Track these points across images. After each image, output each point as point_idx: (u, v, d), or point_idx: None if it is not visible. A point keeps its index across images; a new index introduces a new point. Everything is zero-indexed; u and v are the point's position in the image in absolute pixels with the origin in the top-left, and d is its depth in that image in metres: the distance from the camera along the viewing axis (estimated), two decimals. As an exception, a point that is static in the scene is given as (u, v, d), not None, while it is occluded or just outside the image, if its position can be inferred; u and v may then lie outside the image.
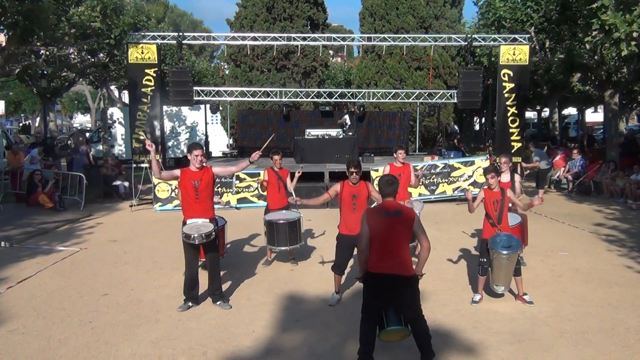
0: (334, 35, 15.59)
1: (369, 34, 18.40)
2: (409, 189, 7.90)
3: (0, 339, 5.02)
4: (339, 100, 17.82)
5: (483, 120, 30.37)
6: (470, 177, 12.59)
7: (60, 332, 5.17)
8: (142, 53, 13.14)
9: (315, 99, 17.87)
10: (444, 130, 21.42)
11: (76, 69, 18.21)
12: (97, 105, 32.58)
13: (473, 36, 14.59)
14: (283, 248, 7.16)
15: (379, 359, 4.34)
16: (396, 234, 4.23)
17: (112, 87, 27.50)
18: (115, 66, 19.48)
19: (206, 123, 19.44)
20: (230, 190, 12.31)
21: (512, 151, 12.90)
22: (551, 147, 17.57)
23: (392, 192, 4.40)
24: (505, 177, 7.16)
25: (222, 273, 6.25)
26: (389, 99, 16.56)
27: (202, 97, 15.47)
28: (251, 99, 16.46)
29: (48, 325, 5.34)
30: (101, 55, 17.94)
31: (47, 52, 15.22)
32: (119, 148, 21.19)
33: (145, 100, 13.20)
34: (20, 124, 44.49)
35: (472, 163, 12.79)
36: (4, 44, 11.57)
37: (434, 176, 12.65)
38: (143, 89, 13.15)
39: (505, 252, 5.48)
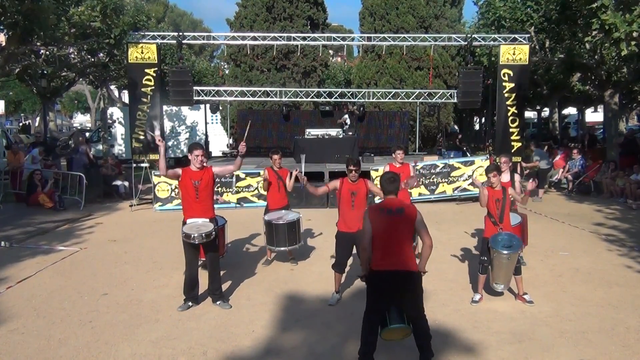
0: (334, 35, 15.59)
1: (369, 34, 18.40)
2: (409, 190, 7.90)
3: (0, 339, 5.02)
4: (339, 100, 17.82)
5: (483, 120, 30.36)
6: (470, 177, 12.59)
7: (60, 332, 5.17)
8: (142, 53, 13.13)
9: (315, 99, 17.87)
10: (444, 130, 21.42)
11: (76, 69, 18.21)
12: (97, 105, 32.59)
13: (473, 36, 14.58)
14: (282, 248, 7.16)
15: (378, 359, 4.34)
16: (399, 232, 4.23)
17: (112, 87, 27.50)
18: (115, 66, 19.48)
19: (206, 123, 19.44)
20: (230, 190, 12.31)
21: (512, 151, 12.89)
22: (553, 146, 17.54)
23: (393, 190, 4.41)
24: (506, 177, 7.17)
25: (222, 273, 6.25)
26: (389, 98, 16.56)
27: (202, 97, 15.46)
28: (251, 98, 16.47)
29: (48, 325, 5.34)
30: (101, 55, 17.93)
31: (47, 52, 15.21)
32: (119, 148, 21.18)
33: (145, 100, 13.19)
34: (20, 124, 44.48)
35: (472, 163, 12.79)
36: (4, 43, 11.57)
37: (434, 176, 12.65)
38: (143, 89, 13.14)
39: (505, 251, 5.49)
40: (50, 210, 11.74)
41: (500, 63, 13.36)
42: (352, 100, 17.27)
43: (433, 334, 4.34)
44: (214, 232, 5.60)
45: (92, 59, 18.09)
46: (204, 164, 5.71)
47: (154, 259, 7.82)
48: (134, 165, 13.34)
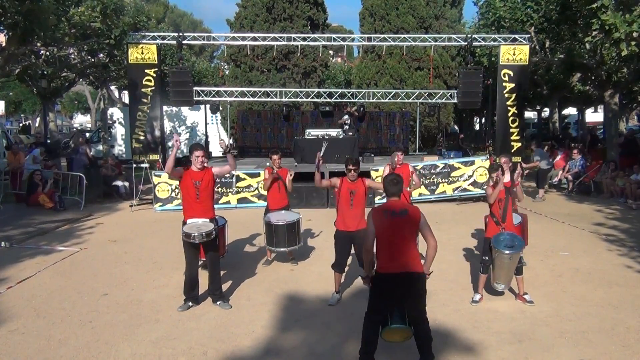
0: (334, 36, 15.60)
1: (369, 34, 18.40)
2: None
3: (0, 339, 5.02)
4: (339, 100, 17.81)
5: (483, 120, 30.36)
6: (470, 177, 12.59)
7: (60, 332, 5.17)
8: (142, 53, 13.15)
9: (315, 99, 17.87)
10: (444, 130, 21.42)
11: (76, 69, 18.22)
12: (97, 105, 32.58)
13: (473, 36, 14.60)
14: (282, 249, 7.16)
15: (378, 359, 4.34)
16: (403, 233, 4.23)
17: (112, 88, 27.50)
18: (115, 66, 19.47)
19: (206, 123, 19.44)
20: (230, 190, 12.32)
21: (512, 151, 12.90)
22: (555, 146, 17.52)
23: (397, 192, 4.40)
24: (506, 177, 7.17)
25: (222, 273, 6.25)
26: (389, 99, 16.56)
27: (202, 97, 15.47)
28: (251, 99, 16.47)
29: (48, 325, 5.34)
30: (101, 55, 17.93)
31: (47, 52, 15.22)
32: (119, 148, 21.19)
33: (145, 100, 13.21)
34: (20, 124, 44.49)
35: (472, 163, 12.78)
36: (4, 44, 11.57)
37: (434, 176, 12.65)
38: (143, 89, 13.16)
39: (507, 251, 5.48)
40: (51, 210, 11.74)
41: (500, 63, 13.38)
42: (353, 100, 17.27)
43: (433, 334, 4.34)
44: (214, 232, 5.62)
45: (92, 60, 18.09)
46: (205, 165, 5.73)
47: (154, 259, 7.82)
48: (134, 165, 13.35)
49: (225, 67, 29.28)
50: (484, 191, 11.86)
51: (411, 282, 4.16)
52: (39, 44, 12.14)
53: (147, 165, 12.98)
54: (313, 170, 6.25)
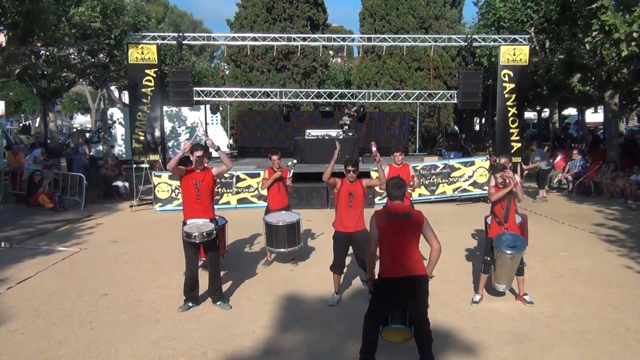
0: (334, 36, 15.57)
1: (369, 35, 18.38)
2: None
3: (0, 339, 5.02)
4: (339, 100, 17.81)
5: (483, 120, 30.36)
6: (470, 177, 12.59)
7: (60, 333, 5.17)
8: (142, 53, 13.12)
9: (315, 100, 17.86)
10: (444, 130, 21.41)
11: (76, 70, 18.21)
12: (97, 105, 32.57)
13: (473, 37, 14.57)
14: (282, 250, 7.17)
15: (378, 359, 4.34)
16: (406, 236, 4.23)
17: (112, 88, 27.49)
18: (116, 66, 19.47)
19: (206, 123, 19.44)
20: (230, 190, 12.32)
21: (512, 151, 12.89)
22: (556, 146, 17.49)
23: (400, 195, 4.41)
24: (517, 178, 7.18)
25: (222, 273, 6.25)
26: (389, 99, 16.54)
27: (202, 97, 15.46)
28: (251, 99, 16.45)
29: (48, 326, 5.34)
30: (101, 55, 17.93)
31: (47, 53, 15.21)
32: (119, 148, 21.20)
33: (145, 100, 13.19)
34: (20, 125, 44.47)
35: (472, 164, 12.79)
36: (4, 44, 11.57)
37: (434, 176, 12.65)
38: (143, 90, 13.14)
39: (509, 251, 5.47)
40: (51, 210, 11.74)
41: (500, 64, 13.36)
42: (353, 101, 17.26)
43: (433, 335, 4.34)
44: (214, 232, 5.63)
45: (93, 60, 18.09)
46: (205, 165, 5.74)
47: (154, 259, 7.82)
48: (134, 165, 13.34)
49: (225, 67, 29.28)
50: (484, 192, 11.88)
51: (414, 285, 4.17)
52: (39, 44, 12.13)
53: (147, 165, 12.97)
54: (313, 170, 6.26)
